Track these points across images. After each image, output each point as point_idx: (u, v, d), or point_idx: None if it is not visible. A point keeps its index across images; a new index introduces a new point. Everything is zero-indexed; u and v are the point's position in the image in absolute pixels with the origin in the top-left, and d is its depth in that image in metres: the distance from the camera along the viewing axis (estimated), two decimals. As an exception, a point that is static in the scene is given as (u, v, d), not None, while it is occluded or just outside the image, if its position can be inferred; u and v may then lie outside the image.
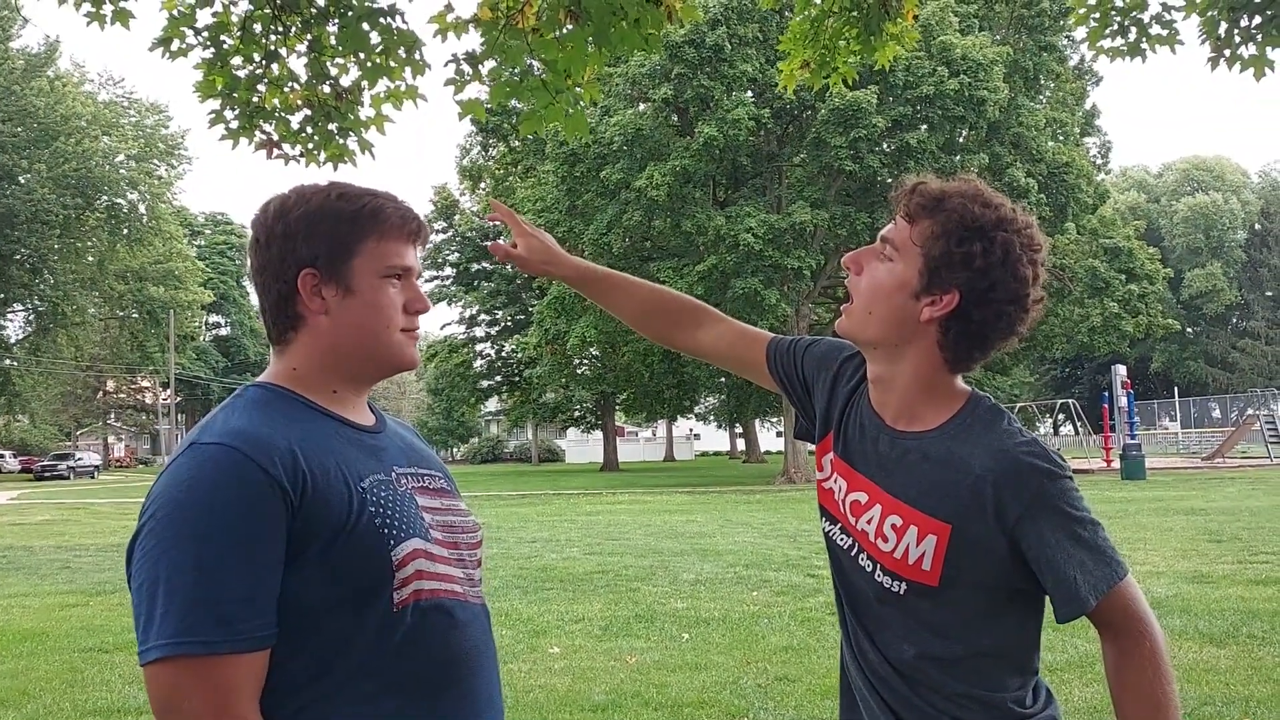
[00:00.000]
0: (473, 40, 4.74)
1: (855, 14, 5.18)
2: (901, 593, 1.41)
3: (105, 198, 42.45)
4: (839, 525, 1.52)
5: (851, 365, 1.58)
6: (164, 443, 64.45)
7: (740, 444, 57.80)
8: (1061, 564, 1.31)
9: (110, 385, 63.33)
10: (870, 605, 1.46)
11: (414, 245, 1.38)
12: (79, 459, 50.21)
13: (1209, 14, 5.54)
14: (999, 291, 1.35)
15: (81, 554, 12.92)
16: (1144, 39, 5.97)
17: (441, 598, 1.30)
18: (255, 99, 4.81)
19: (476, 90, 5.00)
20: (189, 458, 1.19)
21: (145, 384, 65.15)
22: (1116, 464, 25.87)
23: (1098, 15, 5.97)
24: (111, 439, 71.33)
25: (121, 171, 43.03)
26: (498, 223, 1.80)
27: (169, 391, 58.39)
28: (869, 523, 1.44)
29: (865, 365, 1.53)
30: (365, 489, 1.27)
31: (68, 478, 46.31)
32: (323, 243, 1.30)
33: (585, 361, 37.01)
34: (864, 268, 1.46)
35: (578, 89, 4.83)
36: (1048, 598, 1.38)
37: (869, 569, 1.45)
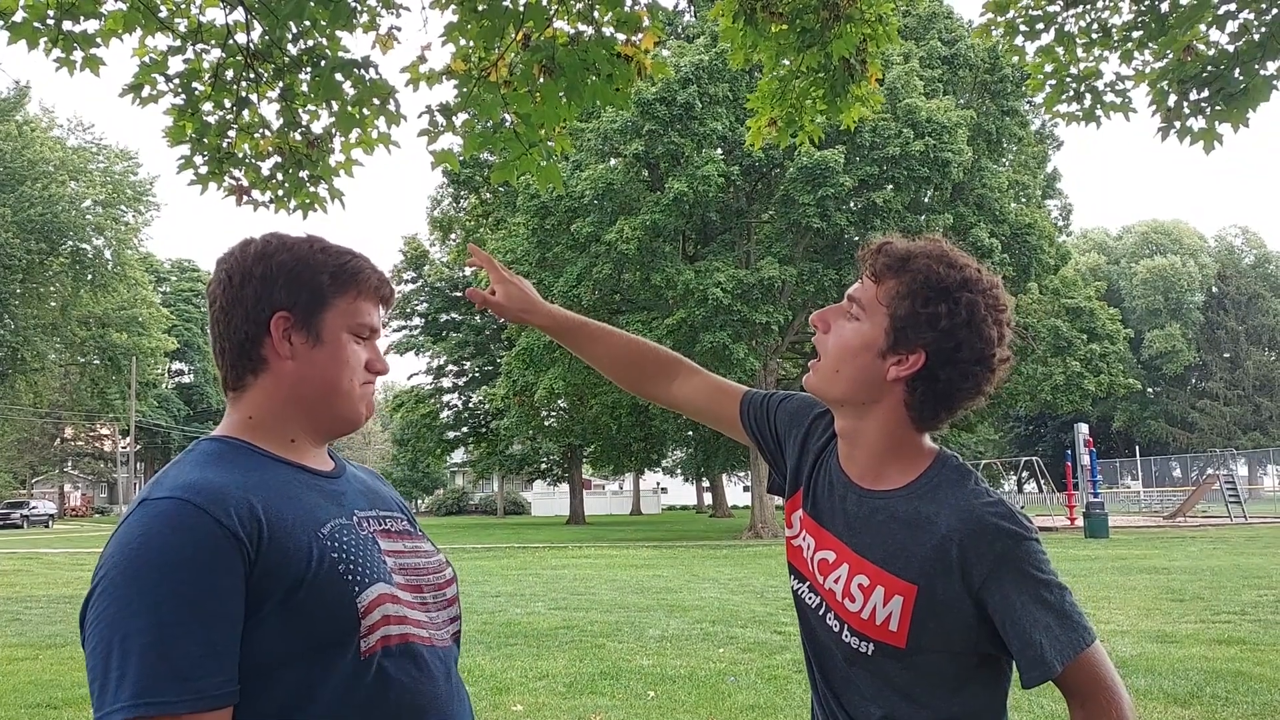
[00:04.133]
0: (446, 91, 4.81)
1: (821, 75, 5.31)
2: (869, 653, 1.39)
3: (70, 243, 42.08)
4: (808, 584, 1.50)
5: (823, 423, 1.57)
6: (122, 491, 63.16)
7: (707, 498, 57.65)
8: (1027, 628, 1.29)
9: (68, 432, 62.24)
10: (838, 665, 1.45)
11: (381, 309, 1.41)
12: (33, 507, 49.07)
13: (1159, 84, 5.71)
14: (965, 352, 1.35)
15: (32, 605, 12.57)
16: (1098, 105, 6.17)
17: (411, 642, 1.27)
18: (225, 144, 4.82)
19: (450, 141, 5.06)
20: (141, 514, 1.16)
21: (104, 431, 64.06)
22: (1080, 522, 26.05)
23: (1054, 81, 6.17)
24: (68, 487, 69.86)
25: (88, 217, 42.71)
26: (474, 269, 1.79)
27: (129, 439, 57.41)
28: (836, 581, 1.43)
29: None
30: (326, 535, 1.25)
31: (21, 526, 45.23)
32: (303, 290, 1.31)
33: (553, 413, 36.91)
34: (831, 326, 1.46)
35: (550, 142, 4.89)
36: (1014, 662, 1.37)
37: (836, 629, 1.44)
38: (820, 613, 1.47)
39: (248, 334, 1.30)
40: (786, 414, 1.63)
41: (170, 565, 1.11)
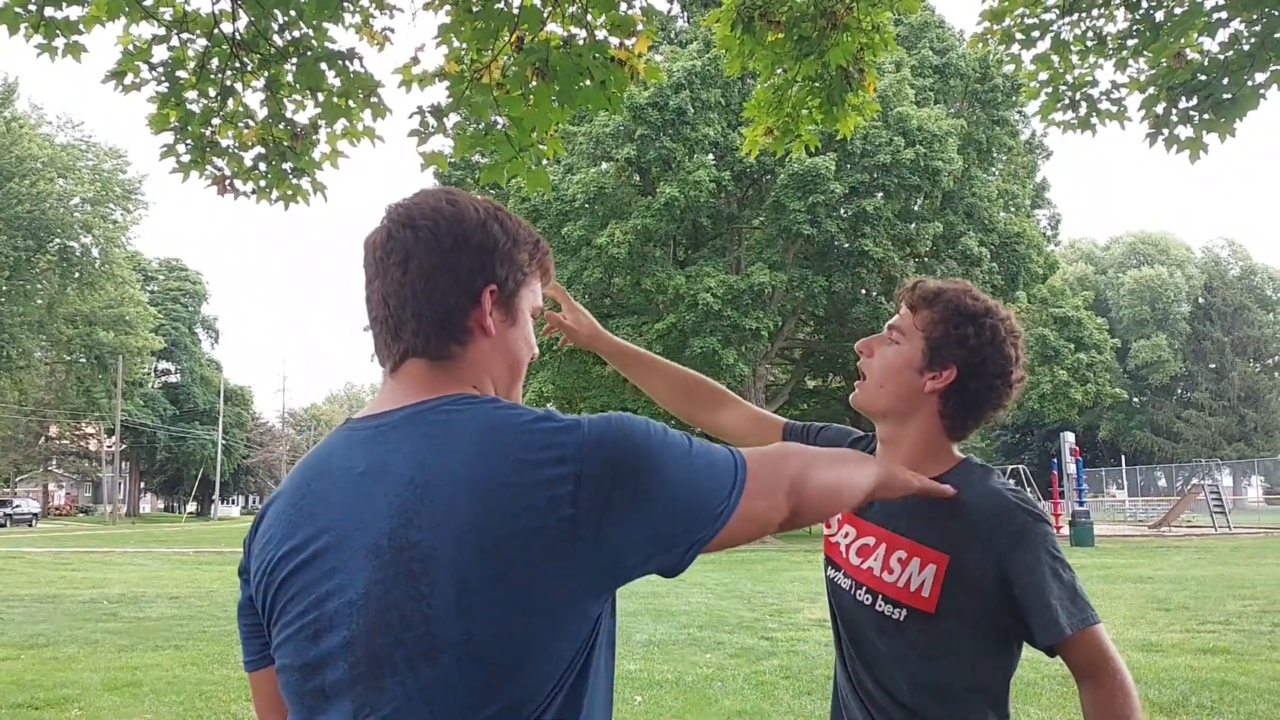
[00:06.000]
0: (438, 93, 4.77)
1: (818, 84, 5.28)
2: (902, 619, 1.60)
3: (58, 240, 41.86)
4: (842, 571, 1.74)
5: (860, 446, 1.80)
6: (107, 490, 62.77)
7: (695, 504, 57.47)
8: (1044, 593, 1.48)
9: (53, 431, 61.83)
10: (869, 639, 1.66)
11: None
12: (17, 506, 48.78)
13: (1149, 91, 5.72)
14: (990, 367, 1.61)
15: (15, 605, 12.46)
16: (1094, 114, 6.16)
17: None
18: (208, 132, 4.78)
19: (440, 143, 5.03)
20: (611, 420, 1.13)
21: (90, 430, 63.68)
22: (1065, 530, 26.13)
23: (1049, 90, 6.17)
24: (52, 486, 69.45)
25: (76, 215, 42.49)
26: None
27: (114, 438, 57.08)
28: (875, 559, 1.65)
29: (872, 444, 1.77)
30: None
31: (4, 525, 44.96)
32: (511, 266, 1.25)
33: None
34: (874, 351, 1.71)
35: (541, 145, 4.86)
36: (1028, 630, 1.52)
37: (868, 602, 1.65)
38: (854, 594, 1.69)
39: (455, 302, 1.20)
40: (827, 438, 1.88)
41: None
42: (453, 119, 4.84)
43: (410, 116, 4.75)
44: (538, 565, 1.03)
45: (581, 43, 4.69)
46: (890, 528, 1.64)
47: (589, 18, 4.74)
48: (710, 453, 1.16)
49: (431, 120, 4.78)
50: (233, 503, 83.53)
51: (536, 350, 1.33)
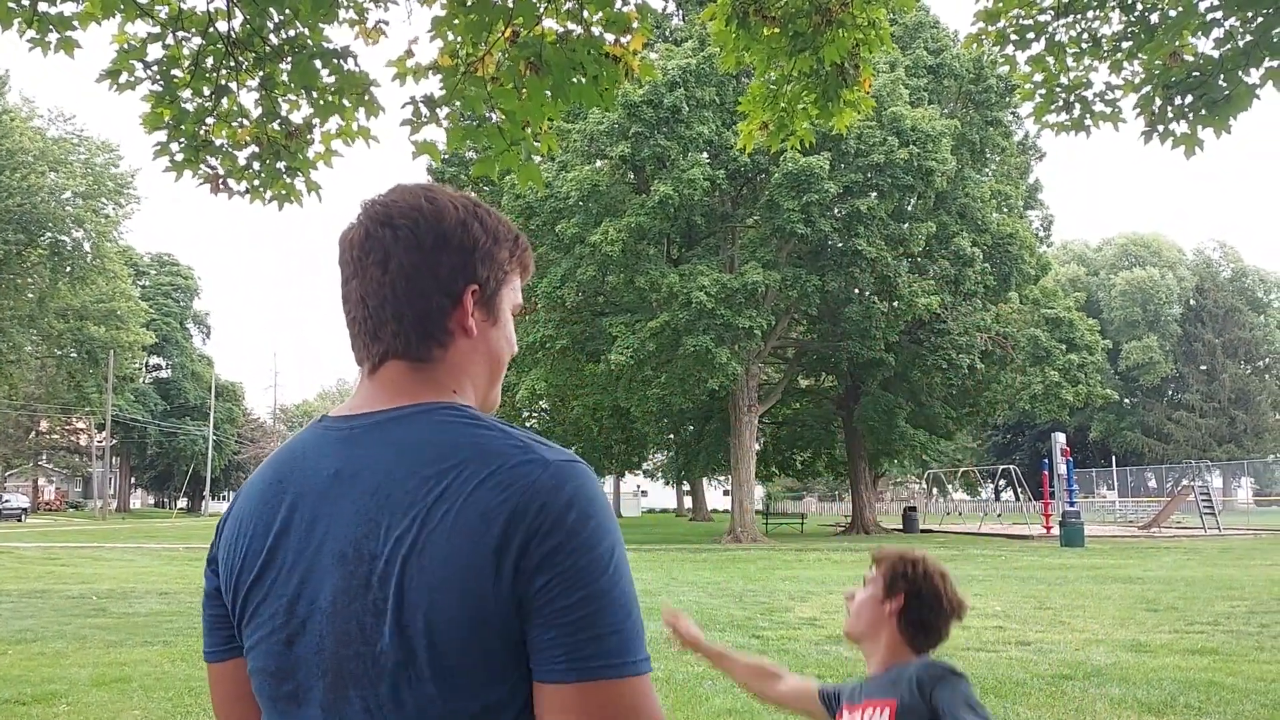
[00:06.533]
0: (432, 86, 4.75)
1: (813, 80, 5.29)
2: None
3: (49, 234, 41.68)
4: None
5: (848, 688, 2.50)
6: (97, 486, 62.57)
7: (687, 501, 57.61)
8: (956, 712, 2.09)
9: (43, 425, 61.61)
10: None
11: None
12: (6, 500, 48.61)
13: (1144, 90, 5.73)
14: (924, 591, 2.29)
15: (3, 600, 12.42)
16: (1088, 115, 6.17)
17: None
18: (202, 131, 4.76)
19: (433, 133, 5.02)
20: (584, 472, 1.09)
21: (80, 425, 63.47)
22: (1056, 530, 26.20)
23: (1043, 91, 6.17)
24: (42, 481, 69.20)
25: (67, 209, 42.29)
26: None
27: (105, 433, 56.90)
28: (858, 718, 2.29)
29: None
30: None
31: (-8, 520, 44.76)
32: (492, 265, 1.22)
33: (534, 414, 36.80)
34: (855, 595, 2.40)
35: (535, 141, 4.86)
36: None
37: None
38: None
39: (436, 303, 1.17)
40: (842, 690, 2.50)
41: None
42: (445, 111, 4.84)
43: (403, 106, 4.74)
44: (473, 592, 1.00)
45: (576, 38, 4.68)
46: (866, 697, 2.31)
47: (585, 14, 4.74)
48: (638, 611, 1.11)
49: (424, 110, 4.77)
50: (223, 498, 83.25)
51: (516, 348, 1.30)
